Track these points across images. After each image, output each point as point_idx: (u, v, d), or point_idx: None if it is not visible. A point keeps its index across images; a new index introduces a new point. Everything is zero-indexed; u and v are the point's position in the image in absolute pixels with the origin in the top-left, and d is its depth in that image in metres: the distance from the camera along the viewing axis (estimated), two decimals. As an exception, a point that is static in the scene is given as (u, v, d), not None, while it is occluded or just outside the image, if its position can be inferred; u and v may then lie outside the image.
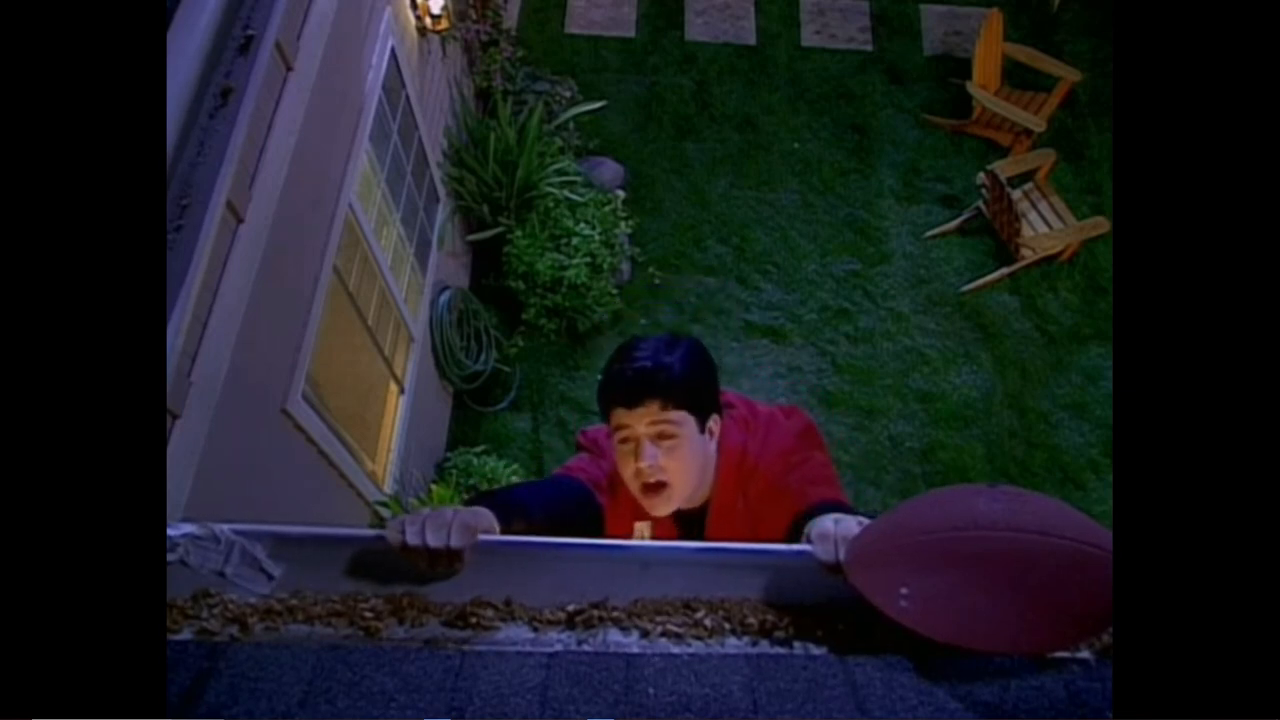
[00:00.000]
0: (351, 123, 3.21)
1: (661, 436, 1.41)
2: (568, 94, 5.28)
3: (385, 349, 3.80)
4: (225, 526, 1.09)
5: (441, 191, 4.56)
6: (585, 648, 0.99)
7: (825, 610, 1.03)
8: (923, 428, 4.73)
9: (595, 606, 1.02)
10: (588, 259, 4.55)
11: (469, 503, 1.23)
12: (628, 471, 1.44)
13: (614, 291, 4.77)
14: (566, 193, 4.63)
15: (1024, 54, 5.52)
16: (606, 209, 4.73)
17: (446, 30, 4.26)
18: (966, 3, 6.22)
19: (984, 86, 5.41)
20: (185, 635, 1.00)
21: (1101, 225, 5.04)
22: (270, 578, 1.07)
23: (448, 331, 4.39)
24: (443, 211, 4.57)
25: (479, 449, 4.37)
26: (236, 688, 0.94)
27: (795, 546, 1.11)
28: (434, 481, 4.07)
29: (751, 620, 1.01)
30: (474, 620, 1.01)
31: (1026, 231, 5.00)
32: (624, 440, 1.43)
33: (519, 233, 4.56)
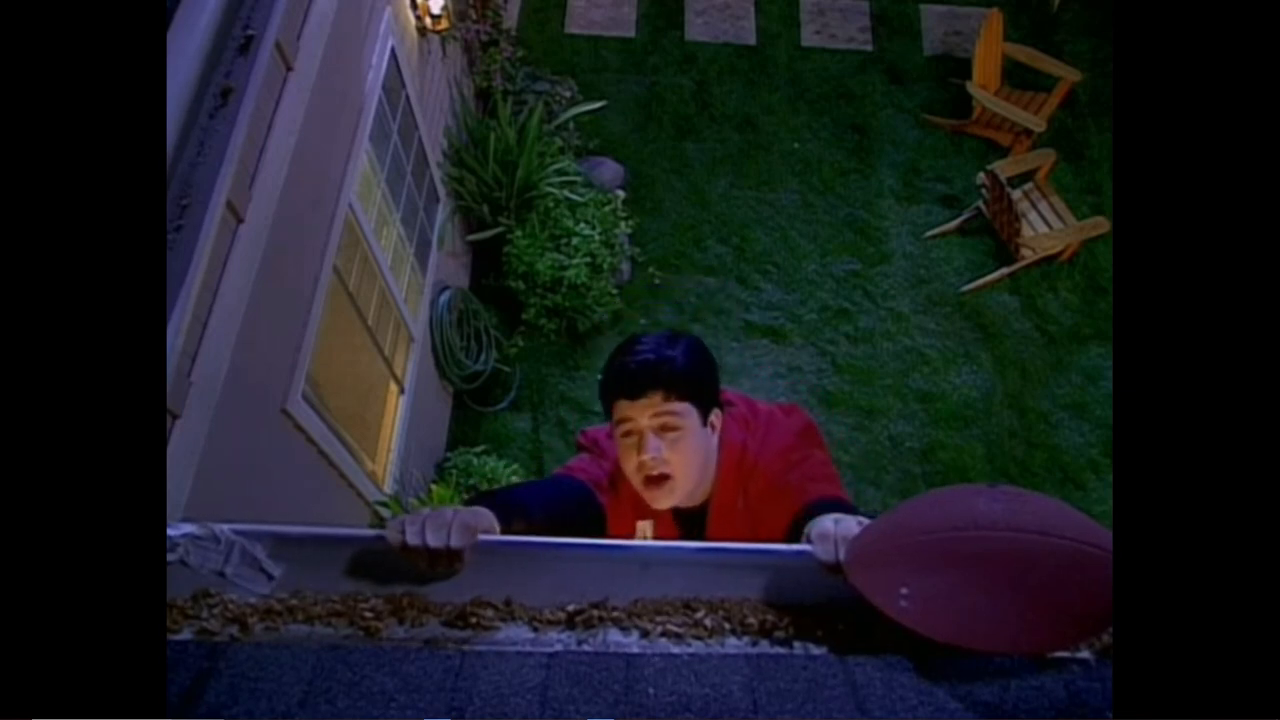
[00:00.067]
0: (351, 123, 3.21)
1: (665, 428, 1.42)
2: (568, 94, 5.28)
3: (385, 349, 3.80)
4: (225, 526, 1.09)
5: (441, 191, 4.56)
6: (585, 648, 0.99)
7: (825, 610, 1.03)
8: (923, 428, 4.73)
9: (595, 606, 1.02)
10: (588, 259, 4.55)
11: (469, 503, 1.23)
12: (630, 465, 1.45)
13: (614, 291, 4.77)
14: (566, 193, 4.63)
15: (1024, 54, 5.52)
16: (606, 209, 4.73)
17: (446, 30, 4.26)
18: (966, 3, 6.22)
19: (984, 86, 5.41)
20: (185, 635, 1.00)
21: (1101, 225, 5.04)
22: (270, 578, 1.06)
23: (448, 331, 4.39)
24: (443, 211, 4.57)
25: (479, 449, 4.37)
26: (236, 688, 0.94)
27: (795, 546, 1.11)
28: (434, 481, 4.07)
29: (751, 620, 1.01)
30: (474, 620, 1.01)
31: (1026, 231, 5.00)
32: (627, 433, 1.44)
33: (519, 233, 4.56)
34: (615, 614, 1.02)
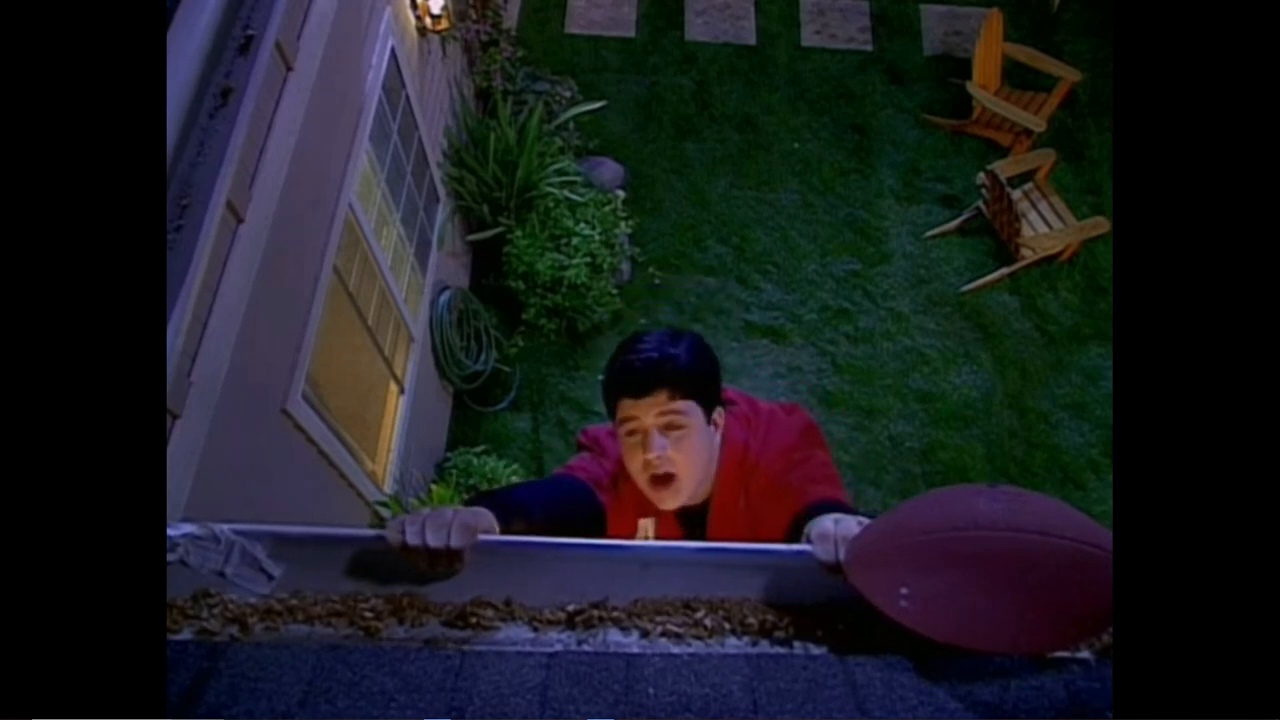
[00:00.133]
0: (351, 123, 3.21)
1: (670, 427, 1.42)
2: (568, 94, 5.28)
3: (385, 349, 3.80)
4: (225, 526, 1.09)
5: (441, 191, 4.56)
6: (585, 648, 0.99)
7: (825, 610, 1.03)
8: (923, 428, 4.73)
9: (595, 606, 1.02)
10: (588, 259, 4.55)
11: (469, 503, 1.23)
12: (635, 464, 1.45)
13: (614, 291, 4.77)
14: (566, 193, 4.63)
15: (1024, 54, 5.52)
16: (606, 209, 4.73)
17: (446, 30, 4.26)
18: (966, 3, 6.22)
19: (984, 86, 5.41)
20: (185, 635, 1.00)
21: (1101, 225, 5.04)
22: (270, 578, 1.06)
23: (448, 331, 4.39)
24: (443, 211, 4.57)
25: (479, 449, 4.37)
26: (236, 688, 0.94)
27: (795, 546, 1.11)
28: (434, 481, 4.08)
29: (751, 620, 1.01)
30: (474, 620, 1.01)
31: (1026, 231, 5.00)
32: (631, 432, 1.44)
33: (519, 233, 4.56)
34: (615, 614, 1.02)
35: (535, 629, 1.01)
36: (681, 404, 1.42)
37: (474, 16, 4.87)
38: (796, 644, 1.00)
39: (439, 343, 4.35)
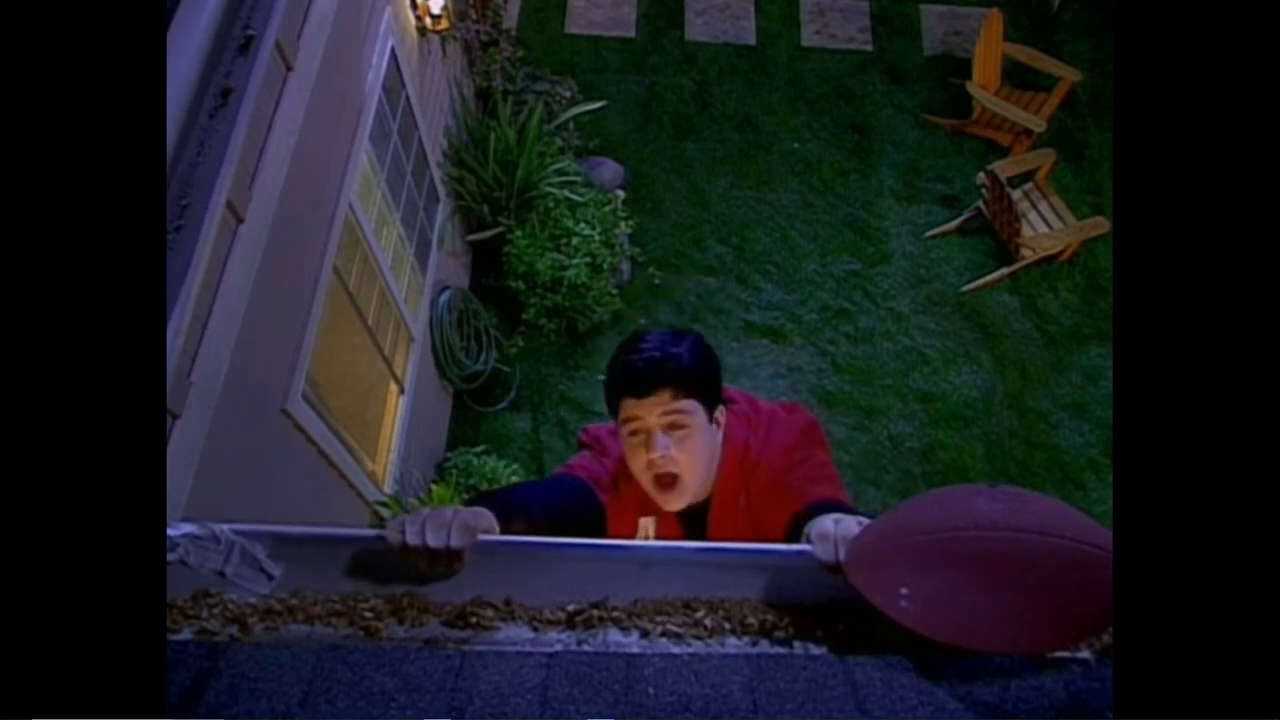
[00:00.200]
0: (351, 123, 3.21)
1: (673, 426, 1.42)
2: (568, 94, 5.28)
3: (385, 349, 3.80)
4: (225, 526, 1.09)
5: (441, 191, 4.56)
6: (585, 648, 0.99)
7: (825, 610, 1.03)
8: (923, 428, 4.73)
9: (595, 606, 1.02)
10: (588, 259, 4.55)
11: (469, 503, 1.23)
12: (638, 464, 1.44)
13: (614, 291, 4.77)
14: (566, 193, 4.63)
15: (1024, 54, 5.52)
16: (606, 209, 4.73)
17: (446, 30, 4.26)
18: (966, 3, 6.22)
19: (984, 86, 5.41)
20: (185, 635, 1.00)
21: (1101, 225, 5.04)
22: (270, 578, 1.06)
23: (448, 331, 4.39)
24: (443, 211, 4.57)
25: (479, 449, 4.37)
26: (236, 688, 0.94)
27: (795, 546, 1.11)
28: (434, 481, 4.08)
29: (751, 620, 1.01)
30: (474, 620, 1.01)
31: (1026, 231, 5.00)
32: (634, 432, 1.43)
33: (519, 233, 4.56)
34: (615, 614, 1.02)
35: (535, 629, 1.01)
36: (685, 403, 1.42)
37: (474, 16, 4.87)
38: (796, 644, 1.00)
39: (439, 343, 4.35)
